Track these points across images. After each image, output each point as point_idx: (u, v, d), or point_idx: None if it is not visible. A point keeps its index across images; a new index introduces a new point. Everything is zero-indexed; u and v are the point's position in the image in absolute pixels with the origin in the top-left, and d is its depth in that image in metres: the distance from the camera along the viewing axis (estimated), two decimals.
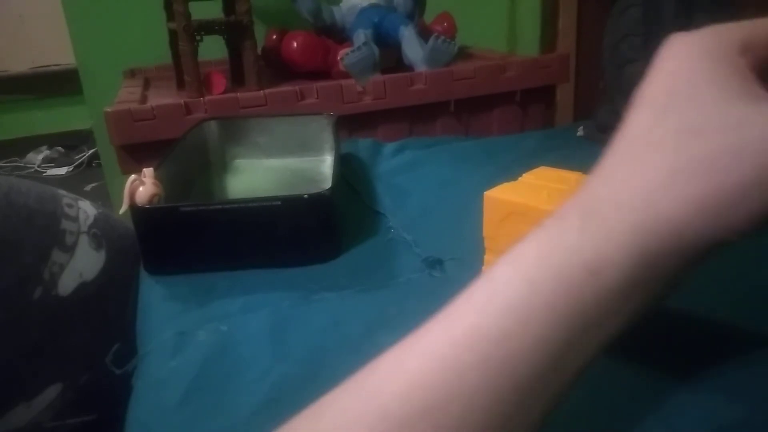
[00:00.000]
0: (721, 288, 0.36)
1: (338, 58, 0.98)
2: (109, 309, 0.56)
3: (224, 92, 0.93)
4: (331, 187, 0.48)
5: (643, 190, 0.21)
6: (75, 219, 0.55)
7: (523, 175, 0.38)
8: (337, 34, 1.08)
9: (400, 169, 0.68)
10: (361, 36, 0.99)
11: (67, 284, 0.52)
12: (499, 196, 0.35)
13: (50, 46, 2.40)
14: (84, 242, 0.55)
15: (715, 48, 0.23)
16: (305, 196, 0.46)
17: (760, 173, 0.19)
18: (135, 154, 0.87)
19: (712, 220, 0.20)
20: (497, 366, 0.19)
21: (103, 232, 0.58)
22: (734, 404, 0.28)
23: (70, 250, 0.53)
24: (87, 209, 0.59)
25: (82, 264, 0.54)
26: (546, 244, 0.21)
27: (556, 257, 0.20)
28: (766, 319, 0.34)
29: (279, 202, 0.46)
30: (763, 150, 0.19)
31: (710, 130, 0.20)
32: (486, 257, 0.38)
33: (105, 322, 0.55)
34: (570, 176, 0.37)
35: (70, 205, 0.56)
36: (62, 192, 0.58)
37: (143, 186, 0.46)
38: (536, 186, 0.36)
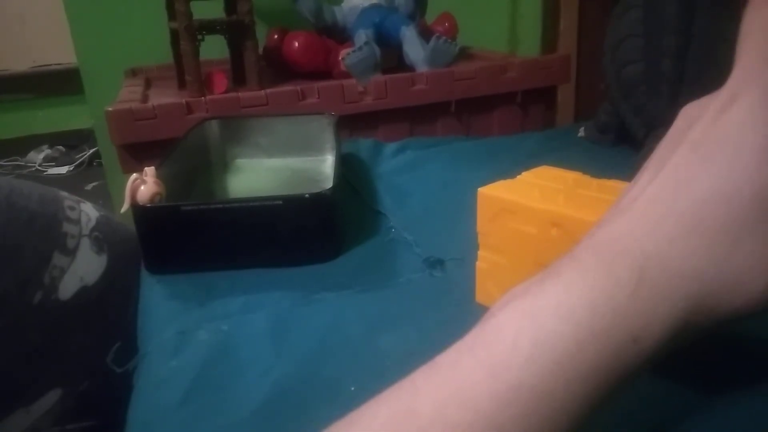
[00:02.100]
0: None
1: (339, 58, 0.98)
2: (110, 314, 0.55)
3: (225, 92, 0.93)
4: (332, 187, 0.48)
5: (692, 263, 0.21)
6: (77, 222, 0.55)
7: (522, 173, 0.38)
8: (338, 34, 1.08)
9: (401, 169, 0.68)
10: (362, 36, 0.99)
11: (67, 288, 0.52)
12: (491, 192, 0.36)
13: (51, 46, 2.40)
14: (85, 246, 0.55)
15: None
16: (306, 195, 0.46)
17: None
18: (136, 154, 0.87)
19: (745, 300, 0.21)
20: (537, 422, 0.19)
21: (104, 236, 0.57)
22: (733, 404, 0.28)
23: (71, 253, 0.53)
24: (89, 212, 0.58)
25: (83, 268, 0.53)
26: (598, 298, 0.21)
27: (606, 319, 0.20)
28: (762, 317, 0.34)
29: (280, 202, 0.46)
30: None
31: (746, 195, 0.21)
32: (480, 253, 0.38)
33: (106, 327, 0.55)
34: (568, 176, 0.37)
35: (72, 208, 0.56)
36: (64, 194, 0.58)
37: (144, 185, 0.46)
38: (530, 184, 0.36)
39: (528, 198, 0.34)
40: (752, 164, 0.21)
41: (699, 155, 0.22)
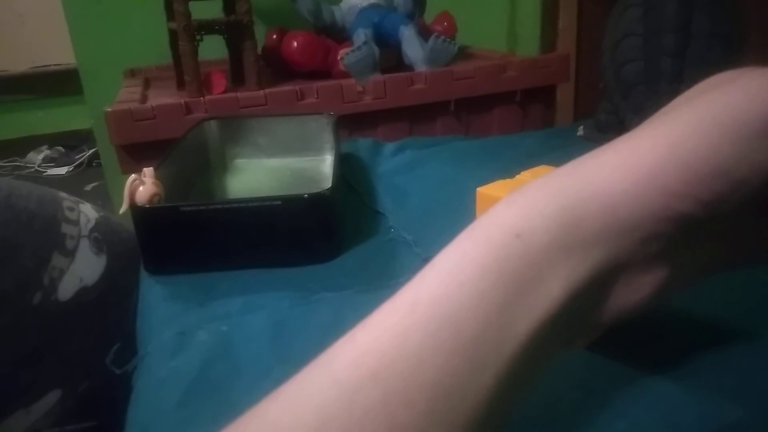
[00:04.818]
0: (720, 287, 0.36)
1: (338, 57, 0.98)
2: (109, 315, 0.55)
3: (224, 92, 0.93)
4: (331, 187, 0.48)
5: (570, 165, 0.22)
6: (76, 223, 0.55)
7: (521, 173, 0.38)
8: (337, 34, 1.08)
9: (401, 168, 0.68)
10: (361, 36, 0.99)
11: (67, 289, 0.52)
12: (490, 192, 0.36)
13: (50, 46, 2.40)
14: (85, 246, 0.54)
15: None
16: (305, 195, 0.46)
17: (695, 123, 0.21)
18: (135, 154, 0.87)
19: (643, 183, 0.21)
20: (439, 325, 0.19)
21: (104, 236, 0.57)
22: (734, 404, 0.28)
23: (70, 254, 0.53)
24: (88, 213, 0.58)
25: (83, 269, 0.53)
26: (477, 220, 0.22)
27: (485, 227, 0.22)
28: (765, 319, 0.34)
29: (279, 202, 0.46)
30: (702, 103, 0.21)
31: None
32: None
33: (105, 328, 0.55)
34: None
35: (71, 209, 0.56)
36: (63, 195, 0.58)
37: (143, 186, 0.46)
38: None
39: None
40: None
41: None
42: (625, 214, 0.21)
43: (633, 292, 0.22)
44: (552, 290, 0.20)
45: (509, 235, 0.21)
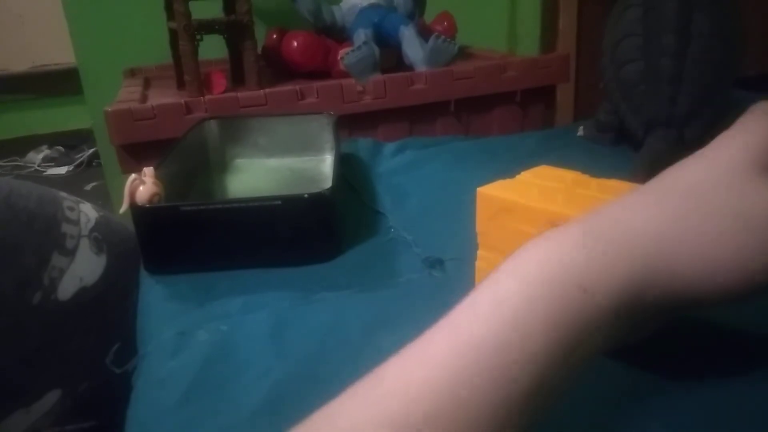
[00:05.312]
0: None
1: (338, 57, 0.98)
2: (109, 314, 0.55)
3: (224, 92, 0.93)
4: (331, 187, 0.48)
5: (651, 224, 0.22)
6: (76, 222, 0.55)
7: (522, 173, 0.38)
8: (337, 34, 1.08)
9: (401, 168, 0.68)
10: (361, 35, 0.99)
11: (67, 289, 0.52)
12: (490, 192, 0.36)
13: (50, 46, 2.40)
14: (85, 246, 0.54)
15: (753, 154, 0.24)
16: (305, 195, 0.46)
17: (758, 242, 0.22)
18: (135, 154, 0.87)
19: (706, 276, 0.22)
20: (498, 375, 0.19)
21: (104, 236, 0.57)
22: (732, 404, 0.28)
23: (70, 254, 0.53)
24: (88, 212, 0.58)
25: (83, 268, 0.53)
26: (545, 254, 0.22)
27: (554, 269, 0.21)
28: (763, 318, 0.34)
29: (279, 202, 0.46)
30: (763, 224, 0.22)
31: (722, 188, 0.23)
32: (479, 252, 0.38)
33: (105, 327, 0.55)
34: (567, 175, 0.37)
35: (71, 208, 0.56)
36: (63, 194, 0.58)
37: (143, 185, 0.46)
38: (529, 183, 0.36)
39: (527, 198, 0.34)
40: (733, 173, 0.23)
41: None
42: (677, 300, 0.22)
43: (646, 331, 0.24)
44: (596, 346, 0.21)
45: (576, 288, 0.21)
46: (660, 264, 0.21)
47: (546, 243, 0.22)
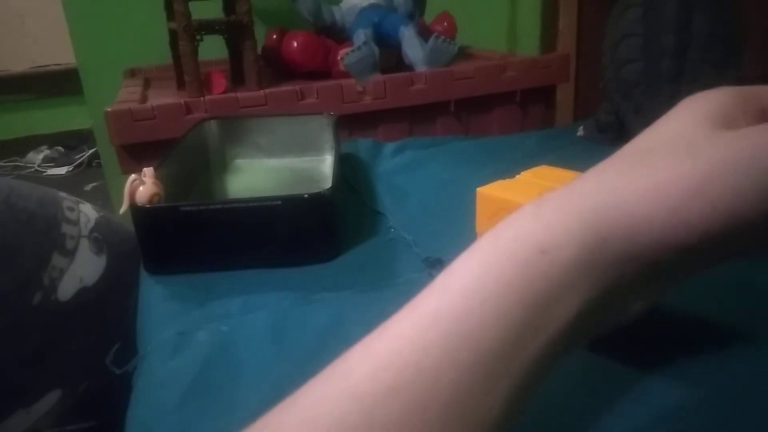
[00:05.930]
0: (721, 288, 0.36)
1: (338, 57, 0.98)
2: (109, 315, 0.55)
3: (224, 92, 0.93)
4: (331, 187, 0.48)
5: (598, 182, 0.22)
6: (76, 222, 0.55)
7: (522, 173, 0.38)
8: (337, 34, 1.08)
9: (401, 168, 0.68)
10: (361, 36, 0.99)
11: (67, 289, 0.52)
12: (490, 192, 0.36)
13: (50, 46, 2.40)
14: (85, 246, 0.54)
15: (721, 113, 0.24)
16: (305, 195, 0.46)
17: (721, 165, 0.21)
18: (135, 154, 0.87)
19: (667, 212, 0.21)
20: (459, 342, 0.19)
21: (104, 236, 0.57)
22: (731, 402, 0.28)
23: (70, 254, 0.53)
24: (88, 212, 0.58)
25: (83, 269, 0.53)
26: (501, 230, 0.22)
27: (510, 240, 0.22)
28: (765, 319, 0.34)
29: (279, 202, 0.46)
30: (724, 143, 0.21)
31: (671, 146, 0.23)
32: None
33: (105, 328, 0.55)
34: (567, 175, 0.37)
35: (71, 209, 0.56)
36: (63, 195, 0.58)
37: (143, 186, 0.46)
38: (529, 184, 0.36)
39: (526, 198, 0.34)
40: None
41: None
42: (643, 241, 0.21)
43: (635, 304, 0.23)
44: (568, 308, 0.21)
45: (534, 251, 0.21)
46: (615, 213, 0.21)
47: (501, 224, 0.23)
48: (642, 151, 0.24)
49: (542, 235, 0.21)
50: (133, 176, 0.46)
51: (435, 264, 0.46)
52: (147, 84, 1.09)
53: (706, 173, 0.21)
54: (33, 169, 2.32)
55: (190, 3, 0.88)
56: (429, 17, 1.18)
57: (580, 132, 0.76)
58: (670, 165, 0.22)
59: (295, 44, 1.02)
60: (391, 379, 0.19)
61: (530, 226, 0.22)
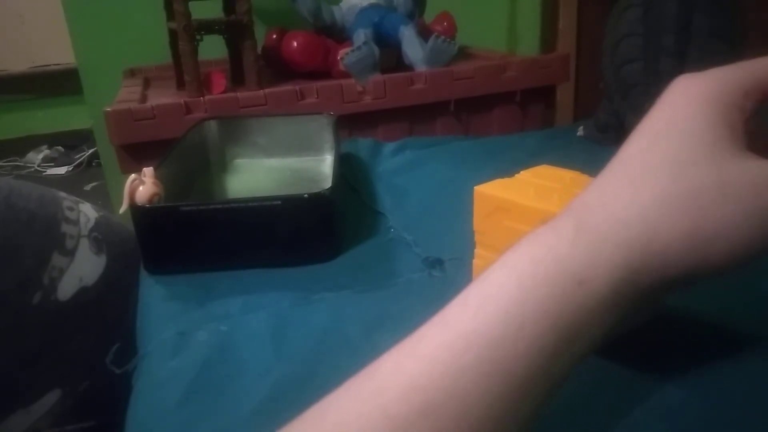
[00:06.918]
0: (724, 290, 0.36)
1: (338, 57, 0.98)
2: (109, 314, 0.55)
3: (224, 92, 0.93)
4: (331, 187, 0.48)
5: (637, 210, 0.22)
6: (76, 222, 0.55)
7: (521, 172, 0.38)
8: (337, 34, 1.08)
9: (400, 168, 0.68)
10: (361, 36, 0.99)
11: (66, 289, 0.52)
12: (487, 191, 0.36)
13: (50, 46, 2.40)
14: (84, 246, 0.54)
15: (716, 93, 0.24)
16: (305, 195, 0.46)
17: (741, 213, 0.21)
18: (135, 154, 0.87)
19: (696, 253, 0.22)
20: (492, 368, 0.20)
21: (104, 236, 0.57)
22: (732, 404, 0.28)
23: (70, 254, 0.53)
24: (88, 212, 0.58)
25: (83, 268, 0.53)
26: (539, 251, 0.22)
27: (549, 265, 0.21)
28: (762, 320, 0.34)
29: (279, 202, 0.46)
30: (745, 194, 0.22)
31: (702, 164, 0.22)
32: (476, 251, 0.38)
33: (105, 327, 0.55)
34: (566, 175, 0.37)
35: (71, 209, 0.56)
36: (63, 195, 0.58)
37: (143, 185, 0.46)
38: (527, 183, 0.36)
39: (523, 197, 0.34)
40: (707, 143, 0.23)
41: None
42: (673, 274, 0.22)
43: (640, 317, 0.25)
44: (595, 336, 0.21)
45: (573, 282, 0.21)
46: (650, 249, 0.21)
47: (538, 239, 0.22)
48: (668, 170, 0.23)
49: (581, 265, 0.21)
50: (132, 176, 0.46)
51: (435, 264, 0.46)
52: (147, 84, 1.09)
53: (740, 221, 0.22)
54: (33, 169, 2.32)
55: (190, 3, 0.88)
56: (429, 17, 1.18)
57: (580, 132, 0.76)
58: (707, 208, 0.22)
59: (295, 44, 1.02)
60: (422, 400, 0.19)
61: (568, 252, 0.22)
